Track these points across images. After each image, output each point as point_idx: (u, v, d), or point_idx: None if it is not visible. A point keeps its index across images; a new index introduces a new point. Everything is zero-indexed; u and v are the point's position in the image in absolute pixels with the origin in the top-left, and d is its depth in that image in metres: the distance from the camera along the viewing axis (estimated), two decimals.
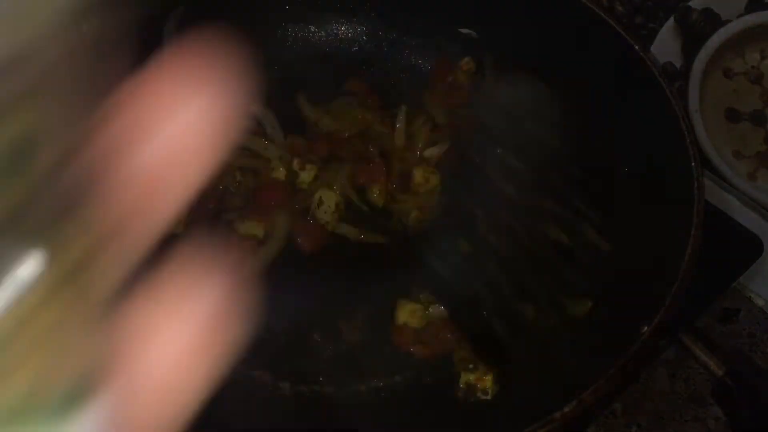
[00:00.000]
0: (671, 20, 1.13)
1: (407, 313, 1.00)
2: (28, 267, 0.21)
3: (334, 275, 1.05)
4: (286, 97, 1.18)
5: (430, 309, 0.99)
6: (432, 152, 1.11)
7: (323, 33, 1.34)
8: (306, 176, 1.08)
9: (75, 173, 0.22)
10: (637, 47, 1.05)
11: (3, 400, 0.21)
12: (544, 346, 0.92)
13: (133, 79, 0.24)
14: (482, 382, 0.95)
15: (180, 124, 0.23)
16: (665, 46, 1.15)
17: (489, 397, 0.94)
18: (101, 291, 0.23)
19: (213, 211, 1.05)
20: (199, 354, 0.25)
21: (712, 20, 1.09)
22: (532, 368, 0.90)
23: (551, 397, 0.87)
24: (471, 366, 0.96)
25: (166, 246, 0.25)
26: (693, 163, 0.94)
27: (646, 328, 0.83)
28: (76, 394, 0.23)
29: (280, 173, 1.08)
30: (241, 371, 1.02)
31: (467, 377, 0.96)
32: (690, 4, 1.10)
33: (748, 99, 1.10)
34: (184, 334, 0.25)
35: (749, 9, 1.05)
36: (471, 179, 1.06)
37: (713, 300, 1.18)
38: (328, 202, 1.05)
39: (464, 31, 1.27)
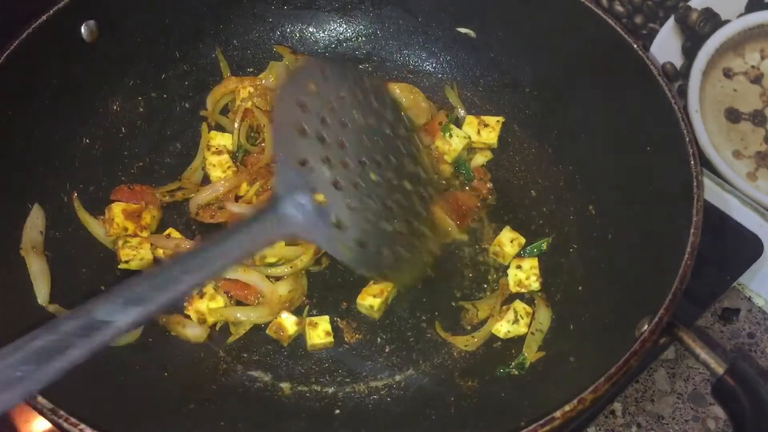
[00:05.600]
0: (671, 20, 1.13)
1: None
2: None
3: None
4: None
5: None
6: None
7: (323, 33, 1.35)
8: None
9: None
10: (636, 47, 1.05)
11: None
12: None
13: None
14: None
15: None
16: (665, 46, 1.15)
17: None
18: None
19: None
20: None
21: (712, 20, 1.09)
22: None
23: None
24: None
25: None
26: (693, 163, 0.94)
27: (646, 327, 0.83)
28: None
29: None
30: (241, 371, 1.03)
31: None
32: (690, 4, 1.10)
33: (748, 99, 1.09)
34: None
35: (749, 9, 1.05)
36: None
37: (713, 300, 1.18)
38: None
39: (463, 30, 1.27)
